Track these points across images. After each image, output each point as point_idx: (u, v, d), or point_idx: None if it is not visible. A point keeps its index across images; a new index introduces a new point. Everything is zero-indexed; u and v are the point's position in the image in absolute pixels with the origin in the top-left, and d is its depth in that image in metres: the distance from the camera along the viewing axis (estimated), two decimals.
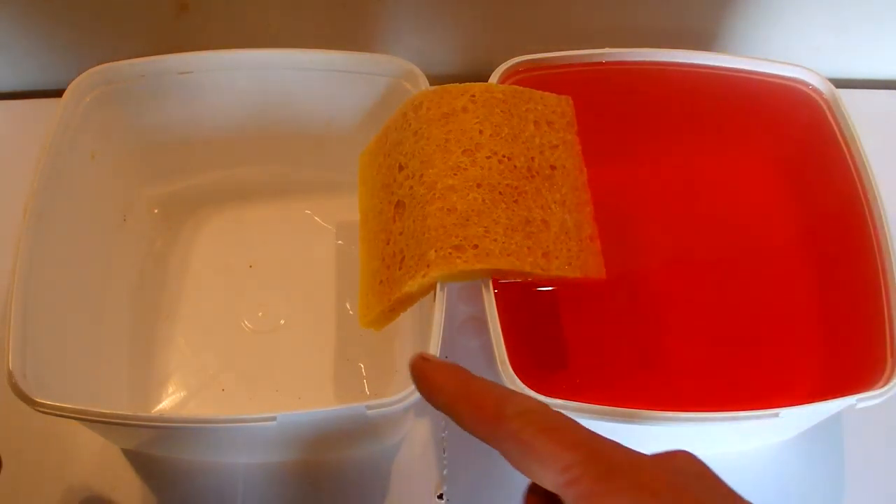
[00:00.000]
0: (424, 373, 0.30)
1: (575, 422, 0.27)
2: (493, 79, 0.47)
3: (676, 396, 0.43)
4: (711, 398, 0.43)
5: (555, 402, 0.37)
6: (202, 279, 0.53)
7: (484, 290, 0.39)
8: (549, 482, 0.26)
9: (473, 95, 0.43)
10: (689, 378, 0.44)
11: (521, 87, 0.45)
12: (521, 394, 0.28)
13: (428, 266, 0.39)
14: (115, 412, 0.37)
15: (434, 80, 0.47)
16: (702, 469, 0.27)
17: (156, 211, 0.55)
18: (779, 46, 0.63)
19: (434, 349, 0.38)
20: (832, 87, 0.49)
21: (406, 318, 0.45)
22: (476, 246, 0.39)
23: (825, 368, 0.44)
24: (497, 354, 0.38)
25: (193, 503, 0.46)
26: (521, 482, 0.47)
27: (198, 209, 0.56)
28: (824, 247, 0.47)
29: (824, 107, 0.49)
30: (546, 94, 0.45)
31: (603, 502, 0.24)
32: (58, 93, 0.46)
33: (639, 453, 0.26)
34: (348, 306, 0.52)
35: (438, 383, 0.29)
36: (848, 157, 0.46)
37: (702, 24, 0.61)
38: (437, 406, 0.29)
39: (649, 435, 0.41)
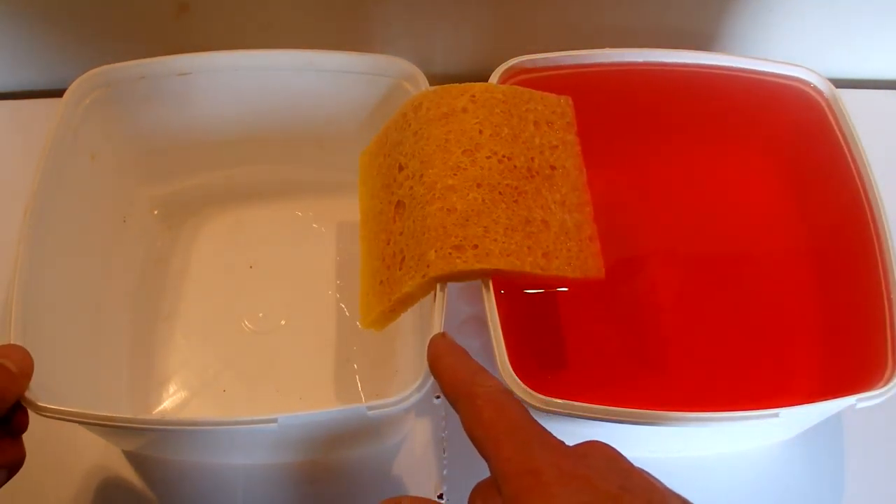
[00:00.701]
0: (435, 345, 0.36)
1: (523, 408, 0.31)
2: (493, 79, 0.47)
3: (676, 396, 0.43)
4: (711, 398, 0.43)
5: (555, 402, 0.37)
6: (202, 280, 0.53)
7: (484, 290, 0.39)
8: (481, 446, 0.30)
9: (473, 96, 0.43)
10: (689, 378, 0.44)
11: (521, 88, 0.45)
12: (495, 378, 0.33)
13: (428, 266, 0.39)
14: (115, 415, 0.37)
15: (434, 80, 0.47)
16: (611, 452, 0.30)
17: (156, 212, 0.55)
18: (779, 46, 0.63)
19: None
20: (832, 87, 0.49)
21: (406, 318, 0.45)
22: (476, 246, 0.39)
23: (825, 368, 0.44)
24: (497, 354, 0.38)
25: None
26: None
27: (198, 210, 0.56)
28: (824, 247, 0.47)
29: (824, 107, 0.49)
30: (546, 94, 0.45)
31: (516, 464, 0.28)
32: (58, 93, 0.46)
33: (558, 440, 0.30)
34: (349, 306, 0.52)
35: (440, 353, 0.35)
36: (848, 156, 0.46)
37: (702, 24, 0.61)
38: (433, 372, 0.35)
39: (649, 435, 0.41)
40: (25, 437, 0.47)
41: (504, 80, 0.48)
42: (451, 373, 0.33)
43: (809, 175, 0.49)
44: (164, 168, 0.54)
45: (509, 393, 0.31)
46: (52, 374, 0.40)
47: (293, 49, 0.49)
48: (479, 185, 0.40)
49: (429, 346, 0.36)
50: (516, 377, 0.37)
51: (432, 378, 0.37)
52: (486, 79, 0.47)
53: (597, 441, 0.30)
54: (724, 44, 0.63)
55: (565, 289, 0.46)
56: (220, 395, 0.49)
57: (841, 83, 0.50)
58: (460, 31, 0.61)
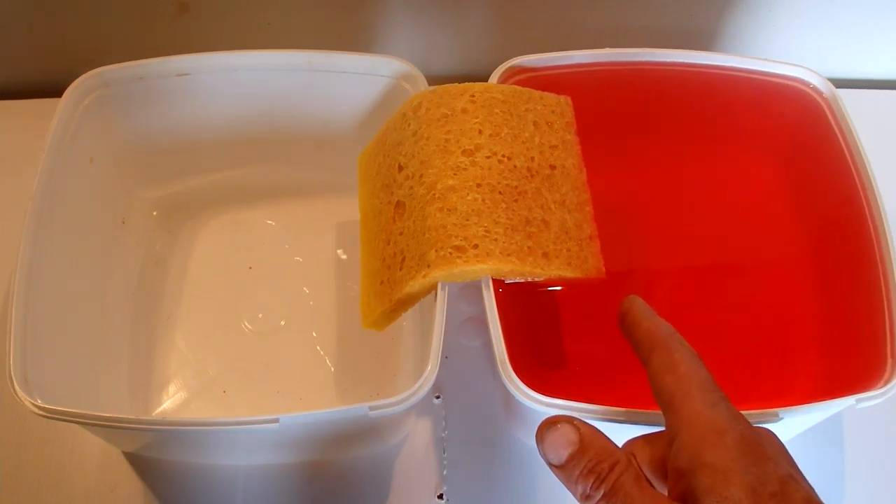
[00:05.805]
0: (633, 301, 0.35)
1: (711, 375, 0.32)
2: (493, 79, 0.47)
3: None
4: None
5: (555, 403, 0.37)
6: (202, 281, 0.53)
7: (484, 290, 0.39)
8: (669, 394, 0.31)
9: (473, 96, 0.43)
10: None
11: (521, 87, 0.45)
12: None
13: (428, 266, 0.39)
14: (115, 416, 0.37)
15: (434, 80, 0.47)
16: (780, 442, 0.32)
17: (155, 213, 0.55)
18: (779, 46, 0.63)
19: (435, 349, 0.38)
20: (832, 87, 0.49)
21: (407, 318, 0.45)
22: (476, 246, 0.39)
23: (825, 368, 0.44)
24: (497, 354, 0.38)
25: None
26: (519, 483, 0.47)
27: (197, 211, 0.56)
28: (824, 246, 0.47)
29: (824, 107, 0.49)
30: (545, 94, 0.45)
31: (705, 419, 0.30)
32: (58, 93, 0.46)
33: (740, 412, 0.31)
34: (349, 307, 0.52)
35: (639, 307, 0.35)
36: (848, 156, 0.46)
37: (702, 24, 0.61)
38: (629, 324, 0.35)
39: None
40: (26, 437, 0.47)
41: (504, 80, 0.48)
42: (650, 325, 0.34)
43: (809, 175, 0.49)
44: (164, 169, 0.54)
45: (700, 359, 0.32)
46: (52, 375, 0.40)
47: (292, 49, 0.49)
48: (479, 186, 0.40)
49: (625, 303, 0.36)
50: (516, 377, 0.37)
51: (433, 378, 0.37)
52: (486, 79, 0.47)
53: (767, 429, 0.33)
54: (724, 44, 0.63)
55: (565, 288, 0.45)
56: (220, 397, 0.49)
57: (841, 83, 0.50)
58: (460, 31, 0.61)
